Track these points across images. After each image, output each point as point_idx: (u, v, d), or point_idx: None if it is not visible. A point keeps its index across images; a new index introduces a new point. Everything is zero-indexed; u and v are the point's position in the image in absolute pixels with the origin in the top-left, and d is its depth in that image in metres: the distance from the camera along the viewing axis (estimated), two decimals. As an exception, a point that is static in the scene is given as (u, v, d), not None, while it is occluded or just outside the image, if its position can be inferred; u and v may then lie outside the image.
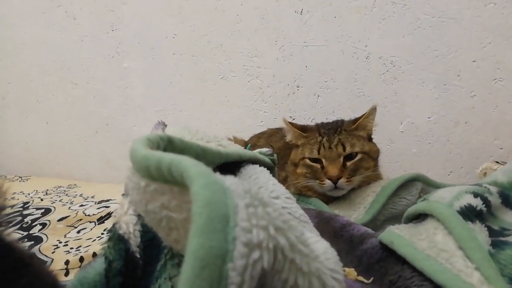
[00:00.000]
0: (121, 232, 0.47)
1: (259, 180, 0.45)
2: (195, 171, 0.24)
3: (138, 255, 0.46)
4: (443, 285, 0.41)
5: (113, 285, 0.45)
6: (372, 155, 0.83)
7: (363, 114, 0.83)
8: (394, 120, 1.15)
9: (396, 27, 1.10)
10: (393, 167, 1.17)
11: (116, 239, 0.46)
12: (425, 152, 1.14)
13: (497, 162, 0.97)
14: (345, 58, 1.16)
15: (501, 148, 1.06)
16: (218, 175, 0.25)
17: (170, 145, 0.39)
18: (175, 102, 1.39)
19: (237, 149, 0.52)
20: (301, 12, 1.18)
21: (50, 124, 1.56)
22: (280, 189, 0.43)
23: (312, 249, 0.26)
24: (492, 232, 0.49)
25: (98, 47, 1.42)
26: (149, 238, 0.48)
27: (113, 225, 0.48)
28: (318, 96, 1.20)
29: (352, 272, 0.54)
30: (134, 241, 0.47)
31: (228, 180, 0.25)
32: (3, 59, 1.56)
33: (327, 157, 0.80)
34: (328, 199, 0.83)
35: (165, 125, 0.60)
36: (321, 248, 0.29)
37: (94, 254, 0.85)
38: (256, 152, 0.58)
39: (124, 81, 1.42)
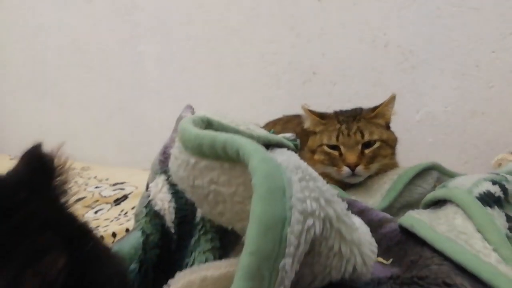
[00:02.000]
0: (156, 208, 0.51)
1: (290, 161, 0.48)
2: (251, 148, 0.27)
3: (172, 230, 0.50)
4: (463, 265, 0.44)
5: (150, 257, 0.48)
6: (390, 143, 0.86)
7: (383, 102, 0.85)
8: (410, 109, 1.18)
9: (416, 16, 1.11)
10: (408, 156, 1.19)
11: (152, 214, 0.50)
12: (441, 142, 1.17)
13: (513, 153, 1.00)
14: (363, 46, 1.18)
15: (518, 140, 1.08)
16: (269, 153, 0.28)
17: (209, 126, 0.42)
18: (189, 88, 1.42)
19: (265, 133, 0.55)
20: (320, -2, 1.20)
21: (64, 107, 1.60)
22: (312, 171, 0.47)
23: (354, 222, 0.29)
24: (509, 219, 0.52)
25: (113, 30, 1.45)
26: (183, 215, 0.51)
27: (149, 202, 0.52)
28: (335, 84, 1.23)
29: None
30: (169, 217, 0.50)
31: (279, 157, 0.28)
32: (19, 41, 1.60)
33: (345, 144, 0.83)
34: (345, 186, 0.87)
35: (193, 109, 0.64)
36: (358, 222, 0.33)
37: (114, 234, 0.88)
38: (281, 137, 0.62)
39: (139, 65, 1.45)
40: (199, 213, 0.50)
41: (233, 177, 0.32)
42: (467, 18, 1.07)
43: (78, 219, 0.34)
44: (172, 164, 0.41)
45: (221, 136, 0.30)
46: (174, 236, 0.50)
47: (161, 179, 0.54)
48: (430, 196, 0.63)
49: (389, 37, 1.15)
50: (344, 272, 0.30)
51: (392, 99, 0.85)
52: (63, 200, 0.34)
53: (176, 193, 0.52)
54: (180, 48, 1.39)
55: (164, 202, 0.51)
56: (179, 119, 0.62)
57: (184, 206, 0.51)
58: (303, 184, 0.26)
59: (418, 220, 0.55)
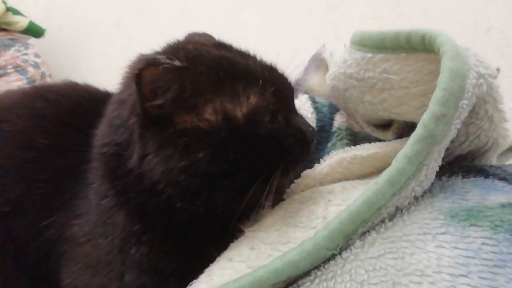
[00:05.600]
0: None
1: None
2: (437, 31, 0.38)
3: (317, 135, 0.62)
4: None
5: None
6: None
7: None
8: (504, 96, 1.21)
9: (524, 2, 1.15)
10: (495, 140, 1.24)
11: (300, 120, 0.63)
12: (532, 131, 1.20)
13: None
14: (463, 30, 1.24)
15: None
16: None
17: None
18: (284, 57, 1.55)
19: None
20: (426, -21, 1.27)
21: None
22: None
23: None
24: None
25: (221, 0, 1.62)
26: (322, 124, 0.64)
27: (296, 112, 0.64)
28: (429, 63, 1.29)
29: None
30: (312, 124, 0.63)
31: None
32: (131, 8, 1.81)
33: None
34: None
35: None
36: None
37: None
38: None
39: (240, 32, 1.60)
40: (335, 124, 0.63)
41: (405, 65, 0.43)
42: None
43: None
44: (337, 69, 0.53)
45: (405, 29, 0.42)
46: (314, 139, 0.62)
47: (304, 97, 0.67)
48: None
49: (492, 22, 1.20)
50: (488, 140, 0.41)
51: (497, 71, 0.91)
52: None
53: (316, 108, 0.65)
54: (281, 19, 1.53)
55: (307, 112, 0.64)
56: (316, 56, 0.75)
57: (323, 118, 0.63)
58: (476, 57, 0.37)
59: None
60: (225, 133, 0.41)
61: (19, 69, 1.51)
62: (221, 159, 0.40)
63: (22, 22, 1.55)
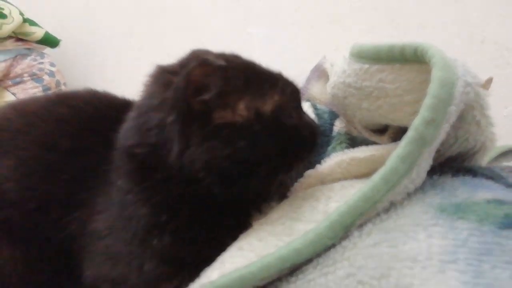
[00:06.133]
0: (306, 121, 0.66)
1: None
2: (429, 45, 0.41)
3: (320, 140, 0.65)
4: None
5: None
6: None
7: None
8: (499, 104, 1.24)
9: (517, 15, 1.19)
10: (490, 148, 1.26)
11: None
12: (525, 139, 1.22)
13: None
14: (459, 41, 1.27)
15: None
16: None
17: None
18: (287, 67, 1.58)
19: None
20: (423, -6, 1.30)
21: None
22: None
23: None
24: None
25: (229, 12, 1.66)
26: (323, 129, 0.67)
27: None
28: (426, 74, 1.33)
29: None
30: (313, 130, 0.65)
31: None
32: (141, 21, 1.86)
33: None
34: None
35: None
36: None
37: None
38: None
39: (246, 44, 1.64)
40: (335, 129, 0.66)
41: (399, 75, 0.46)
42: None
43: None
44: (337, 78, 0.57)
45: (399, 42, 0.45)
46: (315, 144, 0.65)
47: (306, 104, 0.70)
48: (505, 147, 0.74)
49: (486, 34, 1.23)
50: (476, 143, 0.44)
51: (489, 80, 0.94)
52: None
53: (318, 114, 0.68)
54: (285, 31, 1.57)
55: (310, 118, 0.67)
56: (317, 66, 0.79)
57: (324, 124, 0.67)
58: (464, 68, 0.40)
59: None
60: (257, 126, 0.47)
61: (35, 77, 1.56)
62: (258, 147, 0.46)
63: (38, 32, 1.60)
